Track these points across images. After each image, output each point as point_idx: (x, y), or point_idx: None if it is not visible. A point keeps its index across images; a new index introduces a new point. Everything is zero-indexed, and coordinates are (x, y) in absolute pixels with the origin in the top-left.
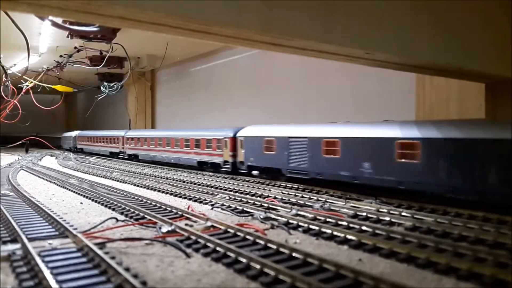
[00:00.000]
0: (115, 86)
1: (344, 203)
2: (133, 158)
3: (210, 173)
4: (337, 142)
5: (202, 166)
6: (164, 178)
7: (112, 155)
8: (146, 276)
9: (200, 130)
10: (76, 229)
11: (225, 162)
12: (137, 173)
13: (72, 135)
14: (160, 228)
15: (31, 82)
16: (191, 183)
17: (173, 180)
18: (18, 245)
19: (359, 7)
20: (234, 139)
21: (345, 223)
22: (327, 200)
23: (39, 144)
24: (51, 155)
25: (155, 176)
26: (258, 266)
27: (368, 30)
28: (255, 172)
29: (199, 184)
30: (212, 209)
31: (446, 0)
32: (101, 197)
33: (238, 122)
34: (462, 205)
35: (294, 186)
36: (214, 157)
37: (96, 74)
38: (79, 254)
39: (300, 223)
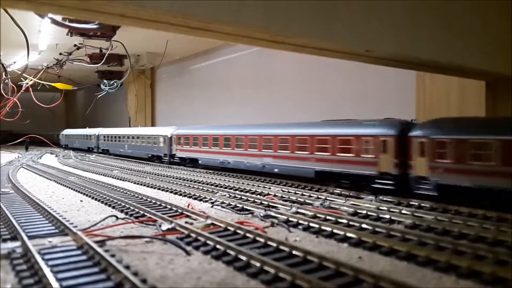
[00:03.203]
0: (115, 83)
1: (344, 201)
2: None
3: (210, 171)
4: None
5: None
6: (164, 176)
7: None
8: (146, 274)
9: None
10: (76, 227)
11: None
12: (137, 171)
13: (162, 135)
14: (160, 226)
15: (31, 80)
16: (191, 181)
17: (173, 178)
18: (18, 243)
19: (359, 4)
20: None
21: (345, 221)
22: (327, 198)
23: (39, 142)
24: (51, 153)
25: (155, 174)
26: (258, 264)
27: (369, 27)
28: None
29: (199, 182)
30: (212, 207)
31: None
32: (101, 195)
33: (239, 120)
34: (462, 203)
35: (294, 184)
36: None
37: (96, 72)
38: (79, 252)
39: (300, 221)
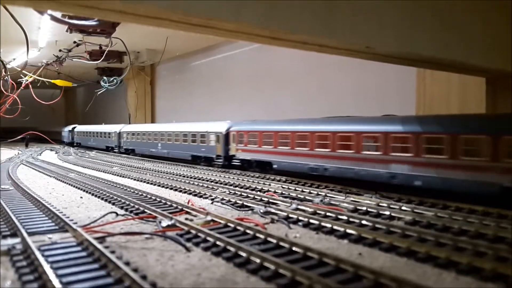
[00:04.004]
0: (115, 80)
1: (344, 198)
2: None
3: (210, 168)
4: None
5: None
6: (164, 173)
7: None
8: (146, 270)
9: None
10: (76, 223)
11: None
12: (137, 168)
13: (214, 131)
14: (160, 222)
15: (31, 77)
16: (191, 178)
17: (173, 174)
18: (18, 240)
19: (360, 1)
20: None
21: (345, 218)
22: (327, 195)
23: (39, 139)
24: (51, 150)
25: (155, 171)
26: (258, 260)
27: (369, 24)
28: None
29: (199, 179)
30: (212, 203)
31: None
32: (101, 191)
33: (240, 117)
34: (462, 200)
35: (294, 180)
36: None
37: (95, 69)
38: (79, 248)
39: (300, 218)
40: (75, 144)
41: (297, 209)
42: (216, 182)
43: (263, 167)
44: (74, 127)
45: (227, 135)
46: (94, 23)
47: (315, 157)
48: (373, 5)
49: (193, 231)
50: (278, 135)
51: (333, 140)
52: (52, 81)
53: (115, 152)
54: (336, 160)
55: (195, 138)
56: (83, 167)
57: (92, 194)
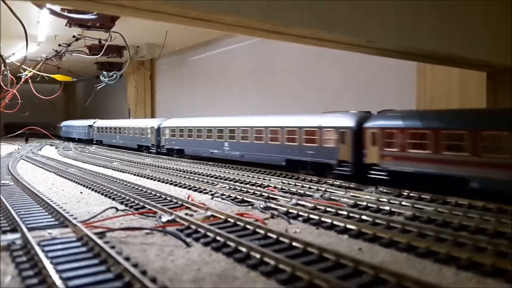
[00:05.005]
0: (114, 75)
1: (344, 193)
2: None
3: (211, 163)
4: None
5: None
6: (164, 168)
7: None
8: (146, 265)
9: None
10: (76, 218)
11: None
12: (137, 163)
13: (337, 126)
14: (160, 217)
15: (30, 72)
16: (191, 173)
17: (173, 169)
18: (17, 235)
19: None
20: None
21: (345, 213)
22: (327, 190)
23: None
24: (51, 145)
25: (155, 166)
26: (258, 256)
27: (370, 18)
28: None
29: (199, 174)
30: (212, 198)
31: None
32: (101, 186)
33: (239, 112)
34: (462, 195)
35: (294, 175)
36: None
37: (95, 63)
38: (79, 243)
39: (300, 213)
40: (94, 142)
41: (297, 204)
42: (216, 177)
43: (445, 186)
44: (95, 121)
45: (358, 132)
46: (93, 17)
47: None
48: None
49: (193, 226)
50: (484, 135)
51: None
52: (52, 75)
53: (151, 152)
54: None
55: (293, 136)
56: (83, 162)
57: (92, 189)
